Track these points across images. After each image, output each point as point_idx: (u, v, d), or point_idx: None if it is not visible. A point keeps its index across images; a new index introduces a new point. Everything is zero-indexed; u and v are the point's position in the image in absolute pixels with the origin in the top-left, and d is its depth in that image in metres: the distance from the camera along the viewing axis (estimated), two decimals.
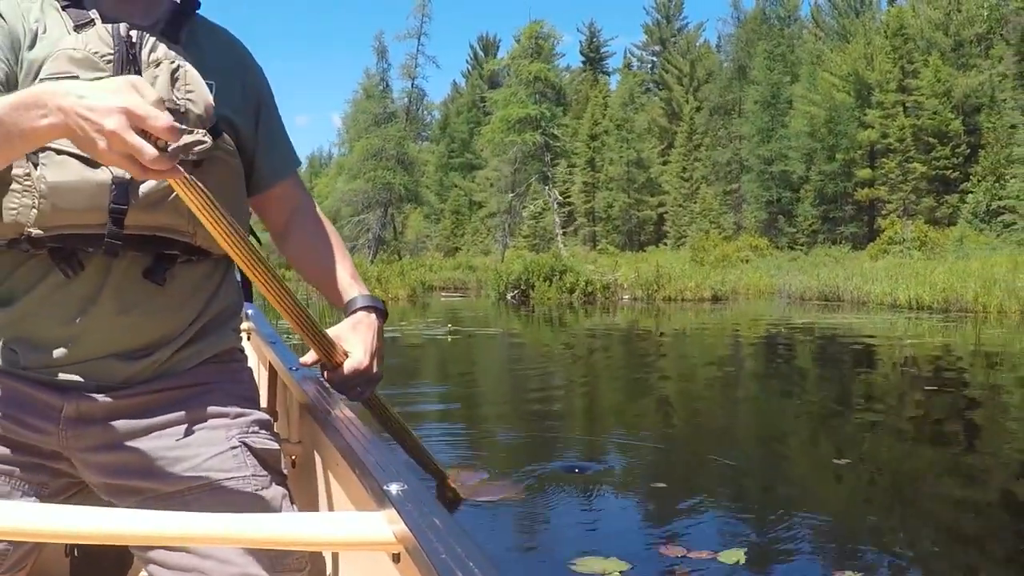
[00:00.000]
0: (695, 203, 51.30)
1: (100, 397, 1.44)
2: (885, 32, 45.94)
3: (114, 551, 1.53)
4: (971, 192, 39.93)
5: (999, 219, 37.26)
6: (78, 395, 1.44)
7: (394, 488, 1.18)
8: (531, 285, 25.60)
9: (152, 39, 1.47)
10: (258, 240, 1.67)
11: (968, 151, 42.22)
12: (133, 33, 1.46)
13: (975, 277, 20.32)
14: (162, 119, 1.14)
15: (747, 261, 35.90)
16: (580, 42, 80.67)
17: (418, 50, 53.73)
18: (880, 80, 44.14)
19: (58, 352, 1.44)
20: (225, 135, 1.52)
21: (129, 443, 1.45)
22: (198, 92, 1.46)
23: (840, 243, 43.27)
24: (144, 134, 1.14)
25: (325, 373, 1.74)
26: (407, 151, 53.73)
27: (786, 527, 4.10)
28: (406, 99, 56.11)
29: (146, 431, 1.45)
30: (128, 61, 1.44)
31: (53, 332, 1.44)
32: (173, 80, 1.45)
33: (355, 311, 1.73)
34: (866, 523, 4.22)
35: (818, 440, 6.48)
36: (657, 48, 71.20)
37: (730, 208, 50.65)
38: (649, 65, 72.43)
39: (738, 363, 11.27)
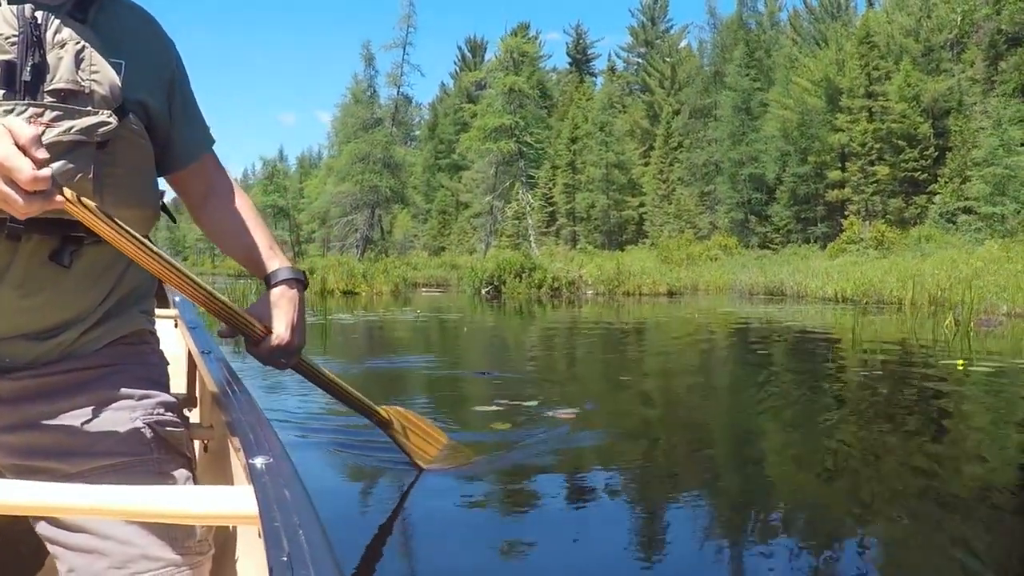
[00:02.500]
0: (671, 204, 54.24)
1: (5, 378, 1.48)
2: (856, 39, 48.63)
3: (31, 538, 1.50)
4: (938, 193, 42.79)
5: (961, 219, 39.96)
6: None
7: (259, 462, 1.24)
8: (503, 281, 28.43)
9: (58, 20, 1.48)
10: (171, 217, 1.79)
11: (936, 154, 44.72)
12: (39, 14, 1.47)
13: (900, 273, 23.21)
14: (25, 173, 1.20)
15: (716, 260, 38.75)
16: (567, 44, 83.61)
17: (403, 59, 57.11)
18: (850, 86, 46.81)
19: None
20: (133, 115, 1.54)
21: (34, 424, 1.48)
22: (103, 72, 1.48)
23: (811, 243, 46.05)
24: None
25: (248, 346, 1.80)
26: (393, 155, 57.00)
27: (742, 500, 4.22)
28: (393, 105, 59.37)
29: (52, 412, 1.49)
30: (32, 43, 1.44)
31: None
32: (78, 61, 1.47)
33: (275, 284, 1.78)
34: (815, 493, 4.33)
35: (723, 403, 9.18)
36: (642, 50, 73.54)
37: (707, 209, 53.45)
38: (634, 67, 74.87)
39: (674, 345, 13.79)
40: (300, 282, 1.81)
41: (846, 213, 45.59)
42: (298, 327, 1.78)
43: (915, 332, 14.03)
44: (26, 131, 1.22)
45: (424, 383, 8.54)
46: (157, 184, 1.69)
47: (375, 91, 59.17)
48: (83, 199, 1.35)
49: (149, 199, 1.63)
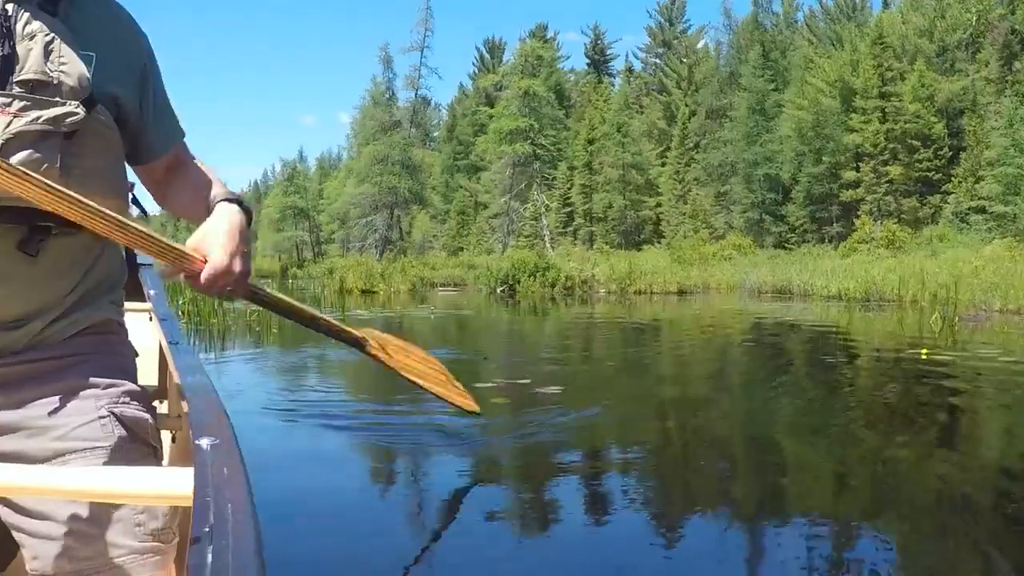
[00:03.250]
0: (686, 204, 55.13)
1: None
2: (869, 40, 49.29)
3: (2, 526, 1.50)
4: (952, 193, 43.43)
5: (973, 218, 40.54)
6: None
7: (204, 443, 1.23)
8: (517, 280, 29.47)
9: (27, 13, 1.50)
10: (142, 209, 1.82)
11: (951, 154, 45.31)
12: (9, 7, 1.50)
13: (903, 272, 24.03)
14: None
15: (730, 259, 39.58)
16: (585, 45, 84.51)
17: (421, 62, 58.45)
18: (863, 86, 47.48)
19: None
20: (101, 107, 1.56)
21: (0, 412, 1.49)
22: (72, 64, 1.51)
23: (826, 242, 46.70)
24: None
25: (191, 282, 1.68)
26: (412, 156, 58.32)
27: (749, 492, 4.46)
28: (411, 108, 60.66)
29: (16, 401, 1.50)
30: (2, 34, 1.47)
31: None
32: (47, 52, 1.49)
33: (214, 206, 1.71)
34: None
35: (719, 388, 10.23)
36: (660, 51, 74.06)
37: (723, 209, 54.28)
38: (652, 68, 75.43)
39: (677, 339, 14.81)
40: (240, 204, 1.72)
41: (858, 213, 46.24)
42: (237, 251, 1.64)
43: (903, 327, 14.93)
44: None
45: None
46: (125, 175, 1.72)
47: (393, 93, 60.92)
48: (7, 163, 1.34)
49: (116, 189, 1.65)
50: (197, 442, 1.23)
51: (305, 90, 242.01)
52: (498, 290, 29.77)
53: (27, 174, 1.34)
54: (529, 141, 55.28)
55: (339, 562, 3.47)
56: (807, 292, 25.85)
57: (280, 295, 2.12)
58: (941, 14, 49.00)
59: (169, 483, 1.17)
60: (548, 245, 51.63)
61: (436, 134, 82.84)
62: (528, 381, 7.81)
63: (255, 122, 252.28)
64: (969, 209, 41.27)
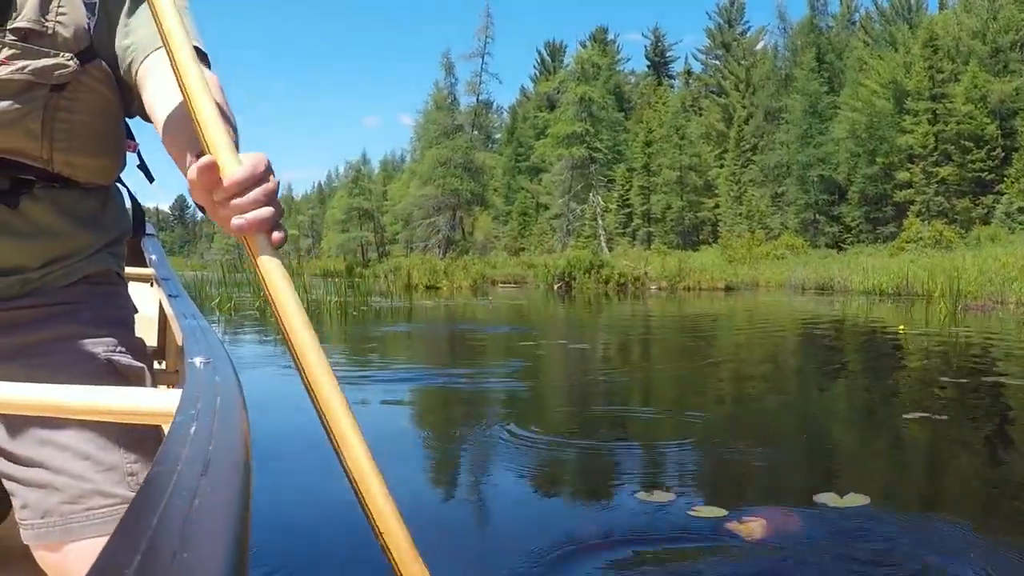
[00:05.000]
0: (742, 205, 56.99)
1: None
2: (919, 42, 50.60)
3: None
4: (1005, 193, 44.72)
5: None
6: None
7: (197, 361, 1.22)
8: (573, 277, 31.77)
9: None
10: (149, 176, 1.80)
11: (1003, 154, 46.62)
12: None
13: (933, 270, 25.80)
14: None
15: (783, 258, 41.45)
16: (645, 47, 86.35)
17: (482, 68, 61.34)
18: (916, 88, 48.81)
19: None
20: (100, 61, 1.52)
21: None
22: (72, 15, 1.47)
23: (880, 242, 48.19)
24: None
25: (219, 189, 1.16)
26: (474, 159, 61.18)
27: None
28: (472, 112, 63.49)
29: (12, 347, 1.50)
30: None
31: None
32: (45, 1, 1.46)
33: None
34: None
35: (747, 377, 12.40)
36: (719, 52, 75.11)
37: (778, 209, 55.98)
38: (711, 70, 76.50)
39: (714, 328, 17.00)
40: None
41: (908, 213, 47.67)
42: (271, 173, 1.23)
43: (912, 314, 16.95)
44: None
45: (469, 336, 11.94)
46: (122, 134, 1.67)
47: (455, 98, 63.99)
48: None
49: (109, 147, 1.62)
50: (189, 360, 1.20)
51: (367, 92, 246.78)
52: (555, 286, 32.07)
53: None
54: (585, 145, 57.80)
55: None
56: (846, 288, 27.77)
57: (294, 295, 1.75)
58: (994, 15, 50.11)
59: (154, 401, 1.08)
60: (604, 245, 53.96)
61: (497, 136, 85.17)
62: (581, 347, 10.10)
63: (319, 125, 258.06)
64: (1020, 209, 42.56)
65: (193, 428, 0.82)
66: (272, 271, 1.23)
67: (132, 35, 1.55)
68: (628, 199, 62.91)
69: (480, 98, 63.79)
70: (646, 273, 32.27)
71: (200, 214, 1.35)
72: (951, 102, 47.60)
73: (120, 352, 1.56)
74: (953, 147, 47.51)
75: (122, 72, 1.56)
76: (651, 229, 61.05)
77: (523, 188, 72.04)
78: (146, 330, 1.80)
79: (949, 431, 5.22)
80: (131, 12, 1.57)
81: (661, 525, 3.30)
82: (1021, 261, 26.06)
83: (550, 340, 11.88)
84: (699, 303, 24.22)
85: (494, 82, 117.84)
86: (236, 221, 1.18)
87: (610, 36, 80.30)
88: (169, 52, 1.27)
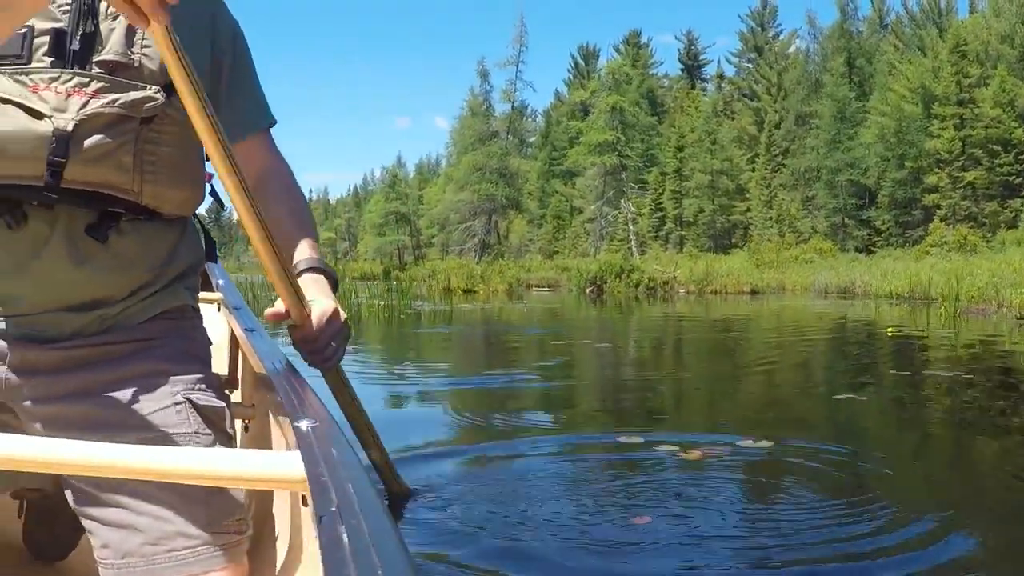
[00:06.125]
0: (772, 209, 58.46)
1: (46, 348, 1.51)
2: (946, 48, 51.63)
3: (65, 515, 1.53)
4: None
5: None
6: (24, 345, 1.51)
7: (304, 424, 1.26)
8: (604, 281, 33.50)
9: None
10: (220, 203, 1.87)
11: None
12: None
13: (948, 274, 27.15)
14: None
15: (811, 262, 42.78)
16: (678, 50, 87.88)
17: (516, 76, 63.58)
18: (944, 92, 49.86)
19: (3, 303, 1.51)
20: None
21: (73, 396, 1.50)
22: (155, 47, 1.49)
23: (910, 246, 49.32)
24: None
25: (293, 332, 1.79)
26: (509, 165, 63.34)
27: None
28: (507, 119, 65.73)
29: (91, 384, 1.51)
30: (85, 12, 1.49)
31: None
32: (130, 33, 1.51)
33: (307, 272, 1.81)
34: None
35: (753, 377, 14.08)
36: (752, 55, 76.30)
37: (809, 213, 57.37)
38: (744, 73, 77.57)
39: (733, 328, 18.73)
40: (331, 276, 1.86)
41: (933, 217, 48.91)
42: (339, 314, 1.80)
43: (913, 317, 18.51)
44: None
45: (508, 340, 13.77)
46: (203, 165, 1.71)
47: (490, 105, 66.25)
48: (177, 39, 1.35)
49: (194, 179, 1.67)
50: (296, 424, 1.25)
51: (399, 94, 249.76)
52: (587, 290, 33.74)
53: (191, 70, 1.38)
54: (617, 153, 59.78)
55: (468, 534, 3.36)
56: (867, 292, 29.27)
57: (350, 388, 2.41)
58: (1022, 20, 51.21)
59: (278, 465, 1.12)
60: (635, 250, 55.76)
61: (532, 139, 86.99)
62: (601, 346, 11.92)
63: (351, 127, 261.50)
64: None
65: (330, 485, 0.94)
66: (338, 383, 2.34)
67: (236, 112, 1.76)
68: (661, 203, 64.56)
69: (515, 106, 66.13)
70: (675, 277, 33.95)
71: (236, 215, 1.61)
72: (978, 107, 48.68)
73: (199, 389, 1.58)
74: (981, 151, 48.52)
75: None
76: (683, 233, 62.71)
77: (557, 192, 73.71)
78: (216, 355, 1.84)
79: (869, 408, 6.92)
80: (239, 81, 1.77)
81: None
82: None
83: (580, 340, 13.59)
84: (723, 307, 25.54)
85: (528, 90, 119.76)
86: (311, 359, 1.83)
87: (643, 39, 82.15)
88: (223, 180, 1.53)
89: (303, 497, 1.19)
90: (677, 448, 4.89)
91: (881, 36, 64.57)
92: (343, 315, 1.81)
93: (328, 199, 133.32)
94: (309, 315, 1.74)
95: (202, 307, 1.86)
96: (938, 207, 49.43)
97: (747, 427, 5.66)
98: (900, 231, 52.01)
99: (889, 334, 13.82)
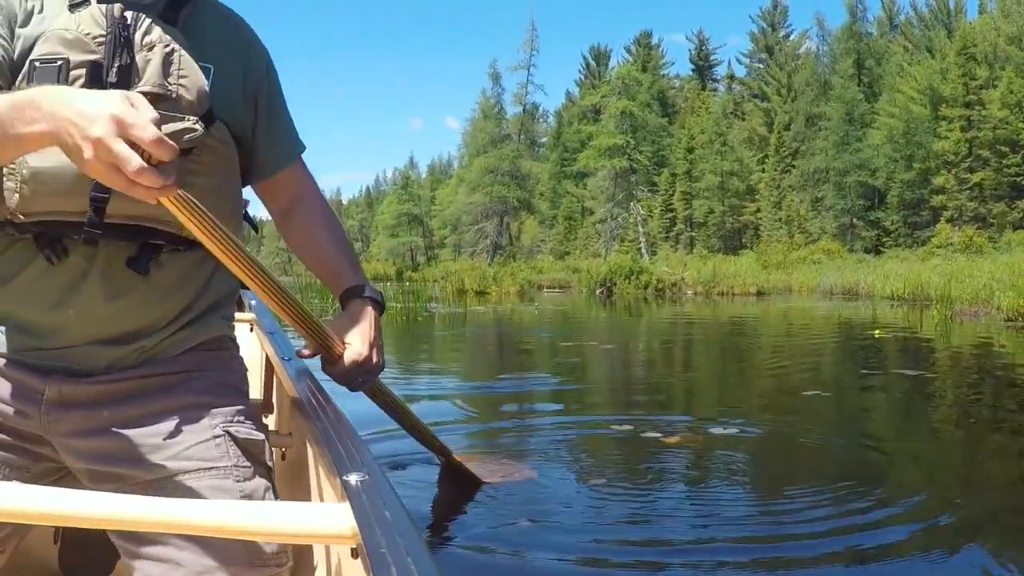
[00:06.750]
0: (781, 210, 59.38)
1: (83, 382, 1.52)
2: (954, 50, 52.41)
3: (101, 540, 1.53)
4: None
5: None
6: (61, 379, 1.51)
7: (353, 479, 1.26)
8: (614, 283, 34.50)
9: (148, 21, 1.52)
10: (253, 227, 1.92)
11: None
12: (128, 14, 1.51)
13: (946, 275, 27.87)
14: (150, 130, 1.16)
15: (818, 263, 43.47)
16: (689, 51, 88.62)
17: (528, 79, 64.93)
18: (951, 94, 50.69)
19: (42, 337, 1.52)
20: (220, 123, 1.59)
21: (111, 429, 1.51)
22: (192, 77, 1.52)
23: (916, 246, 49.92)
24: (134, 147, 1.16)
25: (325, 365, 1.85)
26: (520, 167, 64.49)
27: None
28: (519, 122, 66.98)
29: (129, 417, 1.53)
30: (121, 43, 1.49)
31: (37, 316, 1.52)
32: (166, 64, 1.51)
33: (352, 301, 1.86)
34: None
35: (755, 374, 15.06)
36: (763, 56, 76.73)
37: (818, 214, 58.08)
38: (754, 73, 78.02)
39: (735, 329, 19.71)
40: (378, 303, 1.88)
41: (940, 218, 49.71)
42: (376, 345, 1.84)
43: (908, 319, 19.41)
44: (149, 108, 1.22)
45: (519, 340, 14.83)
46: (241, 194, 1.75)
47: (502, 107, 67.61)
48: (187, 195, 1.34)
49: (232, 209, 1.68)
50: (345, 478, 1.25)
51: (412, 95, 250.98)
52: (597, 291, 34.71)
53: (205, 216, 1.37)
54: (626, 156, 60.98)
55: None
56: (870, 293, 30.11)
57: (395, 396, 2.42)
58: None
59: (329, 521, 1.14)
60: (644, 252, 56.79)
61: (544, 140, 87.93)
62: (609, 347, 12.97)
63: (365, 128, 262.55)
64: None
65: (387, 554, 0.96)
66: (375, 392, 2.24)
67: (273, 146, 1.80)
68: (671, 204, 65.57)
69: (526, 109, 67.41)
70: (683, 279, 34.95)
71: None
72: (985, 108, 49.38)
73: (238, 421, 1.60)
74: (989, 152, 49.25)
75: (259, 170, 1.80)
76: (693, 234, 63.80)
77: (568, 192, 74.62)
78: (249, 377, 1.85)
79: (832, 405, 7.95)
80: (274, 116, 1.80)
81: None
82: None
83: (588, 342, 14.53)
84: (728, 308, 26.26)
85: (539, 93, 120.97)
86: (351, 389, 1.92)
87: (654, 40, 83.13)
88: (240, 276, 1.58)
89: (352, 550, 1.20)
90: (660, 435, 5.88)
91: (891, 37, 65.31)
92: (377, 358, 1.86)
93: (341, 199, 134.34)
94: (341, 355, 1.82)
95: (236, 324, 1.88)
96: (944, 208, 50.22)
97: (717, 415, 6.71)
98: (909, 231, 52.82)
99: (876, 335, 14.76)
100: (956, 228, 45.90)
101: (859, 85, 58.34)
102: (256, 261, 1.52)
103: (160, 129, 1.18)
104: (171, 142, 1.18)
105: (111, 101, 1.17)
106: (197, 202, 1.35)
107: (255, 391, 2.16)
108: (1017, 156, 48.95)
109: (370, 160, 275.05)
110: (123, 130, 1.15)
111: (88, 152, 1.16)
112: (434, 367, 10.83)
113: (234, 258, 1.47)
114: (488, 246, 64.30)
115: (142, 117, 1.17)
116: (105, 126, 1.15)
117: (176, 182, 1.23)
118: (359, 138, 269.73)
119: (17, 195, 1.45)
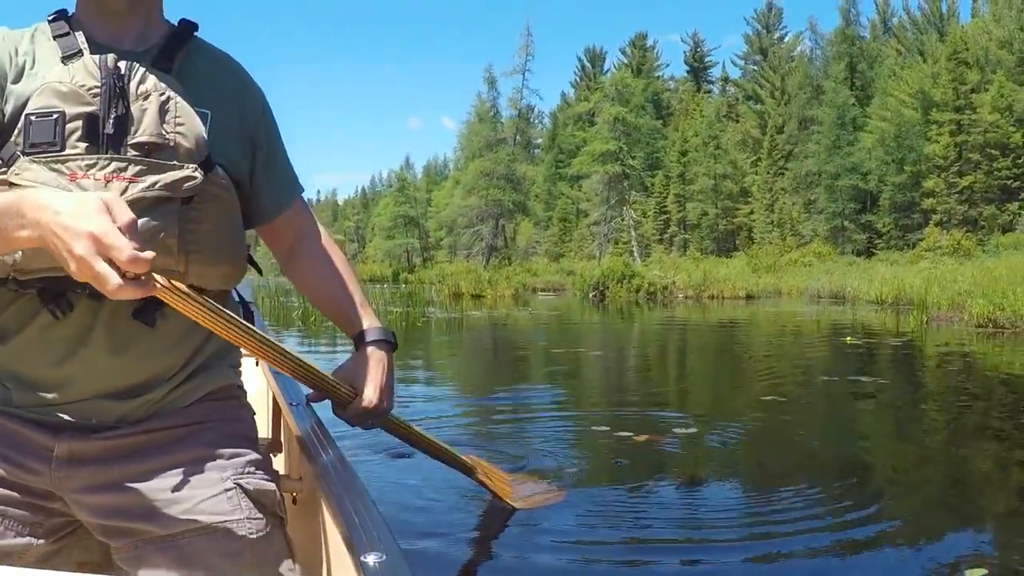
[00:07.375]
0: (774, 212, 60.30)
1: (92, 437, 1.52)
2: (944, 55, 53.22)
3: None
4: None
5: None
6: (70, 435, 1.52)
7: (371, 560, 1.28)
8: (606, 286, 35.30)
9: (142, 70, 1.53)
10: (258, 270, 1.86)
11: None
12: (122, 64, 1.52)
13: (929, 280, 28.54)
14: (126, 252, 1.17)
15: (809, 266, 44.12)
16: (684, 52, 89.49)
17: (523, 84, 66.04)
18: (941, 98, 51.42)
19: (49, 392, 1.52)
20: (219, 168, 1.58)
21: (123, 484, 1.51)
22: (189, 125, 1.53)
23: (906, 249, 50.17)
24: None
25: (336, 409, 1.91)
26: (516, 171, 65.54)
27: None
28: (514, 126, 68.07)
29: (139, 472, 1.53)
30: (116, 94, 1.49)
31: (44, 372, 1.52)
32: (163, 112, 1.51)
33: (365, 345, 1.88)
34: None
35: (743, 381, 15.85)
36: (757, 58, 77.70)
37: (810, 217, 58.75)
38: (749, 75, 78.80)
39: (722, 333, 20.61)
40: (390, 344, 1.91)
41: (934, 221, 50.31)
42: (387, 389, 1.88)
43: (885, 324, 20.25)
44: (126, 213, 1.22)
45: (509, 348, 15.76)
46: (244, 237, 1.73)
47: (498, 111, 68.62)
48: (175, 283, 1.36)
49: (236, 253, 1.68)
50: (363, 559, 1.27)
51: (410, 95, 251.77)
52: (590, 295, 35.48)
53: (191, 296, 1.39)
54: (619, 162, 62.01)
55: None
56: (856, 297, 30.92)
57: (411, 426, 2.36)
58: (1021, 26, 52.66)
59: None
60: (637, 255, 57.74)
61: (539, 141, 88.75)
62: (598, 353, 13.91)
63: (363, 128, 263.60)
64: None
65: None
66: (388, 426, 2.19)
67: (273, 190, 1.81)
68: (665, 206, 66.40)
69: (521, 112, 68.32)
70: (674, 283, 35.85)
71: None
72: (976, 112, 50.17)
73: (248, 473, 1.60)
74: (979, 155, 49.98)
75: (258, 214, 1.81)
76: (687, 236, 64.62)
77: (563, 194, 75.22)
78: (257, 416, 1.81)
79: (785, 410, 8.82)
80: (272, 160, 1.80)
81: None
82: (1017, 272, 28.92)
83: (578, 348, 15.28)
84: (717, 312, 26.89)
85: (534, 97, 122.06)
86: (363, 428, 2.00)
87: (649, 42, 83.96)
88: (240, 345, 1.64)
89: None
90: (631, 434, 6.55)
91: (884, 40, 66.22)
92: (387, 403, 1.90)
93: (336, 200, 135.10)
94: (350, 398, 1.88)
95: (242, 361, 1.88)
96: (934, 211, 51.15)
97: (679, 410, 7.61)
98: (900, 234, 53.54)
99: (847, 342, 15.59)
100: (945, 231, 46.73)
101: (852, 88, 59.19)
102: (252, 329, 1.58)
103: (138, 227, 1.23)
104: (146, 256, 1.20)
105: (89, 215, 1.20)
106: (182, 286, 1.39)
107: (263, 429, 2.15)
108: (1007, 160, 49.77)
109: (368, 160, 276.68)
110: (102, 250, 1.18)
111: (72, 267, 1.21)
112: (432, 375, 11.32)
113: (230, 332, 1.54)
114: (484, 248, 65.17)
115: (119, 239, 1.19)
116: (84, 246, 1.18)
117: (153, 287, 1.28)
118: (358, 138, 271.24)
119: (20, 253, 1.44)
